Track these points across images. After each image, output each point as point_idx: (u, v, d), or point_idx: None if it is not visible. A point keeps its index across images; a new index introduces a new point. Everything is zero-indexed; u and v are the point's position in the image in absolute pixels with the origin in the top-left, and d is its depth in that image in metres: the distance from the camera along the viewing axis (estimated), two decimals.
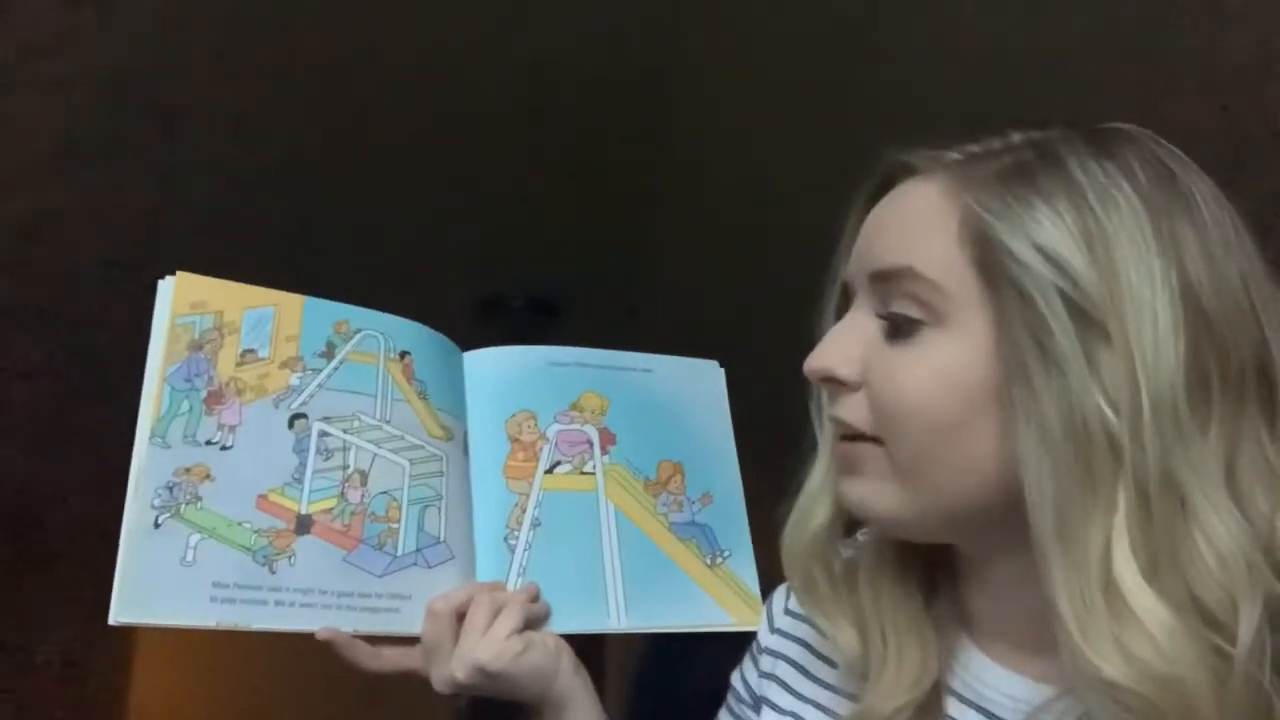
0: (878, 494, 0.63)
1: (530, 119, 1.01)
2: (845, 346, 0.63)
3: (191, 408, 0.78)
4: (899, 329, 0.60)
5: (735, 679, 0.88)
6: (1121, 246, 0.54)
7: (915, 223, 0.61)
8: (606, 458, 0.93)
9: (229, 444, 0.79)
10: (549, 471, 0.91)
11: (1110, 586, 0.52)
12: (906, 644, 0.67)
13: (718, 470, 0.96)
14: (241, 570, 0.76)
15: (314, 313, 0.86)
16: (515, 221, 1.00)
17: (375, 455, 0.84)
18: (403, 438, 0.86)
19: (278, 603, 0.77)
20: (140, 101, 1.17)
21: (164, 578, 0.74)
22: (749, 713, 0.85)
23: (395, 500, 0.83)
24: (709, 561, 0.92)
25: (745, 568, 0.93)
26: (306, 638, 0.76)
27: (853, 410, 0.63)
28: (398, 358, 0.88)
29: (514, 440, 0.91)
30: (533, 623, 0.83)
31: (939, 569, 0.71)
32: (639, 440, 0.95)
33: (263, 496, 0.79)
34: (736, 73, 1.03)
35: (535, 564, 0.87)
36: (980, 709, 0.66)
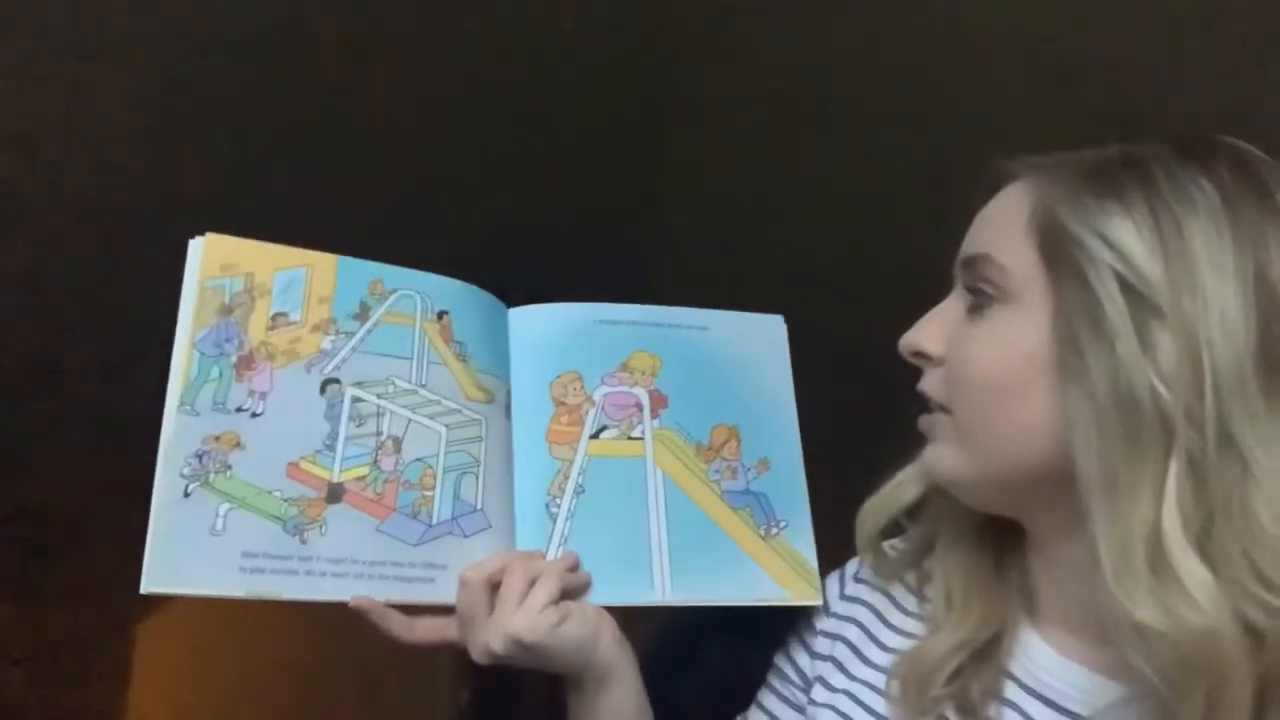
0: (941, 456, 0.68)
1: (531, 115, 0.95)
2: (934, 326, 0.69)
3: (221, 374, 0.77)
4: (977, 307, 0.66)
5: (782, 662, 0.84)
6: (1194, 237, 0.56)
7: (998, 216, 0.67)
8: (656, 422, 0.88)
9: (259, 411, 0.77)
10: (595, 436, 0.87)
11: (1153, 546, 0.54)
12: (973, 597, 0.70)
13: (776, 435, 0.91)
14: (271, 540, 0.75)
15: (348, 273, 0.83)
16: (515, 219, 0.96)
17: (410, 421, 0.81)
18: (439, 402, 0.83)
19: (308, 572, 0.76)
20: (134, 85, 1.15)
21: (194, 547, 0.73)
22: (798, 694, 0.81)
23: (430, 467, 0.81)
24: (763, 532, 0.87)
25: (802, 540, 0.88)
26: (316, 628, 0.75)
27: (932, 383, 0.69)
28: (435, 318, 0.85)
29: (558, 403, 0.87)
30: (571, 593, 0.80)
31: (1010, 551, 0.71)
32: (692, 403, 0.90)
33: (293, 464, 0.77)
34: (737, 71, 0.96)
35: (577, 533, 0.84)
36: (1039, 696, 0.66)
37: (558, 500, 0.84)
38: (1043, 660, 0.67)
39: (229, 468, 0.75)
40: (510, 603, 0.77)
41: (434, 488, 0.80)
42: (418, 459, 0.81)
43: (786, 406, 0.92)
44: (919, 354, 0.70)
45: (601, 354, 0.89)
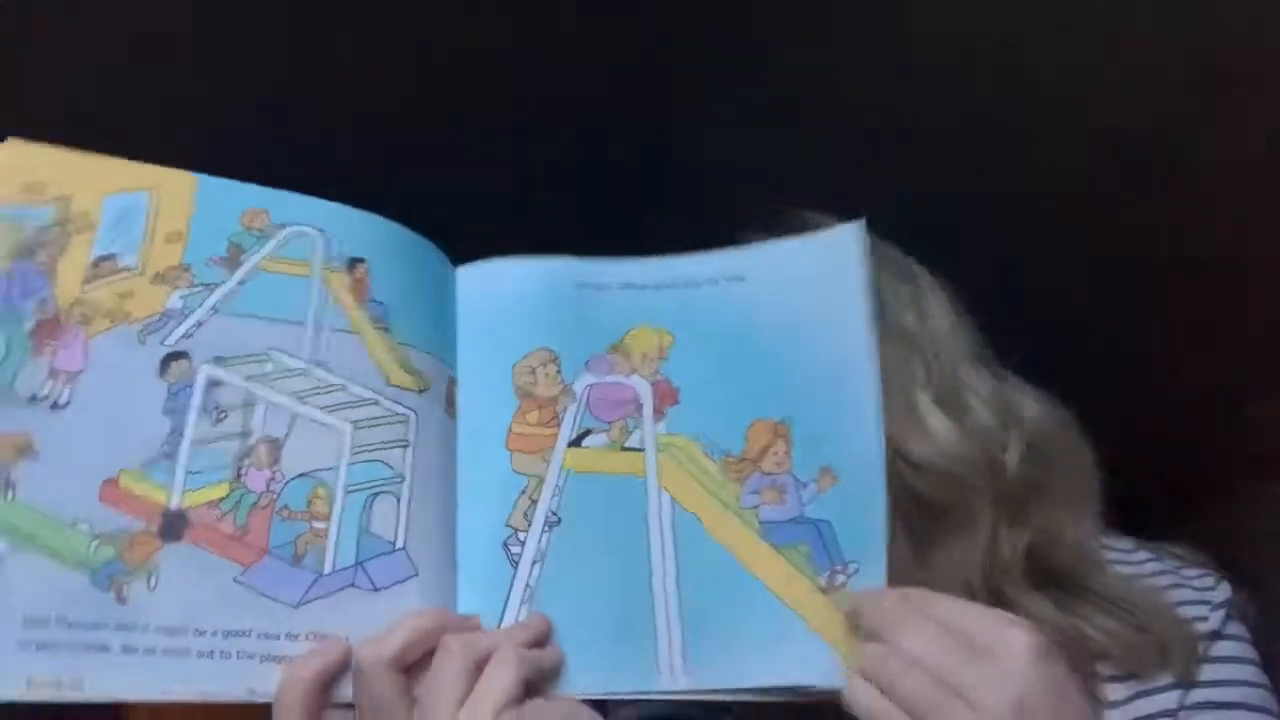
0: None
1: (530, 113, 0.82)
2: None
3: (9, 345, 0.51)
4: None
5: None
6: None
7: None
8: (663, 425, 0.60)
9: (63, 400, 0.51)
10: (575, 443, 0.59)
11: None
12: None
13: (848, 427, 0.61)
14: (72, 598, 0.49)
15: (213, 199, 0.57)
16: (514, 216, 0.82)
17: (296, 416, 0.54)
18: (343, 388, 0.56)
19: (126, 648, 0.49)
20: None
21: None
22: None
23: (324, 486, 0.54)
24: (823, 582, 0.58)
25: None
26: None
27: None
28: (345, 268, 0.58)
29: (525, 394, 0.60)
30: (536, 682, 0.53)
31: None
32: (718, 394, 0.61)
33: (112, 482, 0.51)
34: (737, 67, 0.83)
35: (549, 585, 0.56)
36: None
37: (520, 535, 0.57)
38: None
39: (11, 486, 0.49)
40: (443, 703, 0.50)
41: (329, 517, 0.53)
42: (305, 473, 0.54)
43: (861, 376, 0.62)
44: None
45: (587, 329, 0.62)
